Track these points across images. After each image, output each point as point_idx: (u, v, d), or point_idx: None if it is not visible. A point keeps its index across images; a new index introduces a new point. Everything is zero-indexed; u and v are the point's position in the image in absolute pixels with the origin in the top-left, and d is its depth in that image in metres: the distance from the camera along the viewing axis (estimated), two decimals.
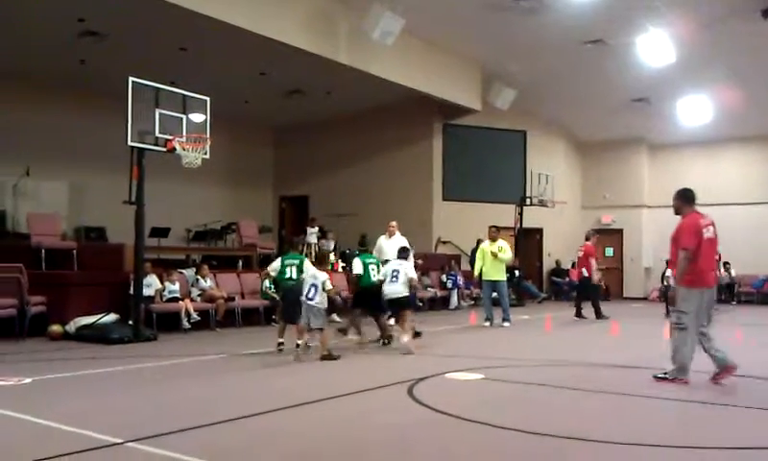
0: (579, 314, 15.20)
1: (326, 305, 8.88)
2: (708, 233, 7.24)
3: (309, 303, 8.65)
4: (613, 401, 6.57)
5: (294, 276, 9.56)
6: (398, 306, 9.89)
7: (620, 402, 6.54)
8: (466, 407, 5.99)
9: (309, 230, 18.30)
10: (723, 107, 19.54)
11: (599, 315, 15.17)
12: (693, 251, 7.10)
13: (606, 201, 24.21)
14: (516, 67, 18.44)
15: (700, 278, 7.16)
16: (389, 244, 14.18)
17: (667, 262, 17.90)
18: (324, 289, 8.70)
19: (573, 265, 18.50)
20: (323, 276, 8.82)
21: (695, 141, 22.90)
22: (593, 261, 15.28)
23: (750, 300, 21.70)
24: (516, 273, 18.64)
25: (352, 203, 20.53)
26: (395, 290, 9.81)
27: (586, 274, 15.22)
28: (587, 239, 15.87)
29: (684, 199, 7.51)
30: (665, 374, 7.31)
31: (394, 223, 14.06)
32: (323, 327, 8.74)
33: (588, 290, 15.57)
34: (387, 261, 10.68)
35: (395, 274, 9.90)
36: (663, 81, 18.20)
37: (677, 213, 7.52)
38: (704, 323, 7.22)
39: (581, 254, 15.62)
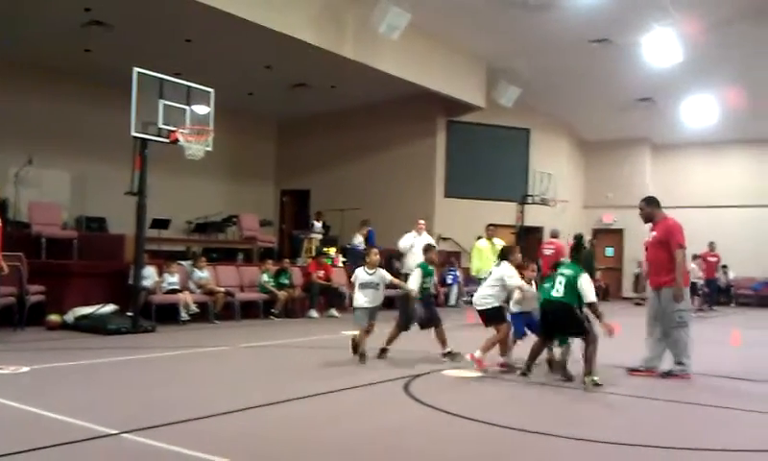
0: None
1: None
2: None
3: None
4: (611, 401, 6.55)
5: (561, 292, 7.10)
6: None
7: (616, 402, 6.53)
8: (462, 405, 5.98)
9: (315, 224, 18.36)
10: (727, 108, 19.50)
11: None
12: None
13: (608, 200, 24.17)
14: (521, 65, 18.41)
15: (686, 276, 7.77)
16: (417, 242, 14.25)
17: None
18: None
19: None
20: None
21: (698, 142, 22.90)
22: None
23: (748, 302, 21.68)
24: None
25: (354, 198, 20.47)
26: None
27: None
28: (554, 236, 15.39)
29: (656, 205, 7.92)
30: (670, 370, 7.58)
31: (422, 221, 14.12)
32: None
33: None
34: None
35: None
36: (668, 81, 18.17)
37: (648, 220, 7.91)
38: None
39: (550, 252, 14.91)
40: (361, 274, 8.40)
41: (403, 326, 8.64)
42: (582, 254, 7.43)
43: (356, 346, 8.23)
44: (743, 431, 5.64)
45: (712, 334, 11.75)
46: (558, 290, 7.00)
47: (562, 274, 7.10)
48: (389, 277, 8.59)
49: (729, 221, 21.83)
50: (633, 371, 7.78)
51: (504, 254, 8.18)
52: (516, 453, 4.80)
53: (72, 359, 8.00)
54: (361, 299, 8.31)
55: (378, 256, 8.56)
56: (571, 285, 6.96)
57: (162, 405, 5.77)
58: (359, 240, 17.34)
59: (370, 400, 6.41)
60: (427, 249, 9.07)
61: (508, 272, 7.82)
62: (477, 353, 7.61)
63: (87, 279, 11.76)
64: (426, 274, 8.66)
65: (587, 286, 6.94)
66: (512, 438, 5.09)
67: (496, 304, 7.82)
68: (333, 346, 9.79)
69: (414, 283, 8.55)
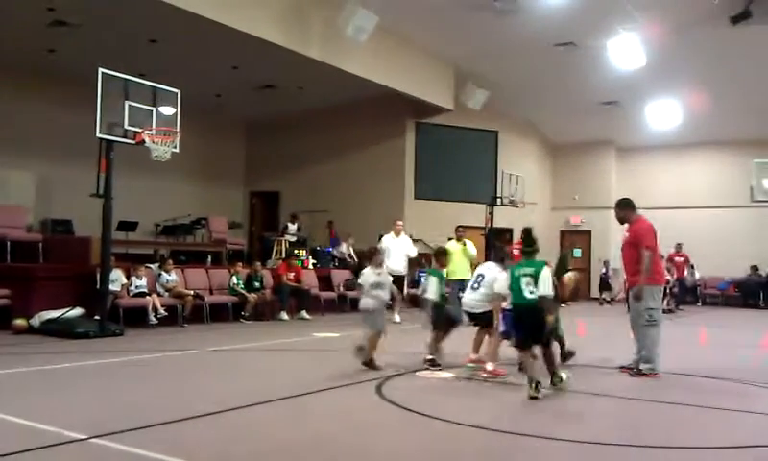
0: None
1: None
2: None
3: None
4: (582, 401, 6.62)
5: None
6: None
7: (589, 402, 6.59)
8: (434, 405, 6.01)
9: (290, 226, 18.32)
10: (691, 111, 19.81)
11: None
12: (654, 250, 7.81)
13: (575, 202, 24.44)
14: (489, 68, 18.52)
15: (658, 275, 7.97)
16: (395, 243, 14.27)
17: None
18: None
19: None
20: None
21: (663, 145, 23.25)
22: None
23: (715, 301, 22.08)
24: None
25: (324, 199, 20.45)
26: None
27: None
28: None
29: (631, 207, 8.12)
30: (640, 369, 7.65)
31: (400, 222, 14.04)
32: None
33: None
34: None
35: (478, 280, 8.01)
36: (633, 84, 18.38)
37: (624, 222, 8.12)
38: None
39: (518, 252, 15.02)
40: (371, 274, 7.97)
41: (443, 328, 8.33)
42: (535, 247, 7.14)
43: (362, 348, 7.73)
44: (717, 429, 5.74)
45: (680, 333, 11.95)
46: (527, 291, 6.72)
47: (525, 274, 6.79)
48: (390, 277, 8.53)
49: (693, 222, 22.19)
50: (623, 369, 7.94)
51: (499, 258, 8.01)
52: (485, 452, 4.83)
53: (39, 364, 7.88)
54: (370, 300, 7.85)
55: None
56: (536, 283, 6.73)
57: (132, 410, 5.70)
58: (348, 247, 17.43)
59: (341, 400, 6.40)
60: (439, 254, 8.86)
61: (499, 276, 7.58)
62: (489, 366, 7.51)
63: (54, 282, 11.58)
64: (440, 280, 8.40)
65: (544, 279, 6.71)
66: (481, 437, 5.12)
67: (488, 309, 7.66)
68: (304, 348, 9.76)
69: (432, 293, 8.18)
